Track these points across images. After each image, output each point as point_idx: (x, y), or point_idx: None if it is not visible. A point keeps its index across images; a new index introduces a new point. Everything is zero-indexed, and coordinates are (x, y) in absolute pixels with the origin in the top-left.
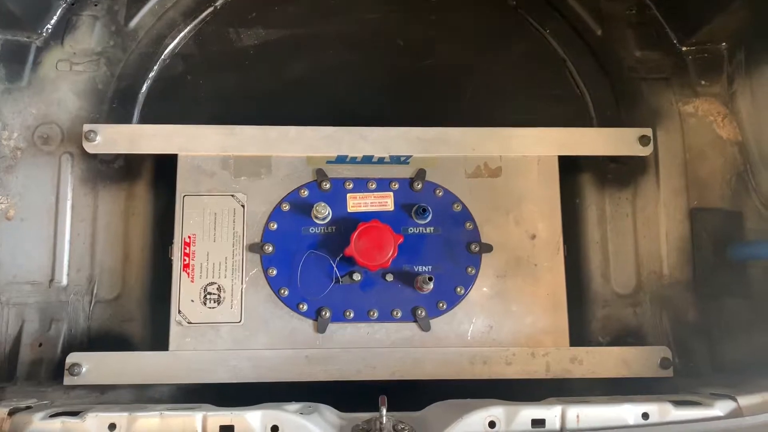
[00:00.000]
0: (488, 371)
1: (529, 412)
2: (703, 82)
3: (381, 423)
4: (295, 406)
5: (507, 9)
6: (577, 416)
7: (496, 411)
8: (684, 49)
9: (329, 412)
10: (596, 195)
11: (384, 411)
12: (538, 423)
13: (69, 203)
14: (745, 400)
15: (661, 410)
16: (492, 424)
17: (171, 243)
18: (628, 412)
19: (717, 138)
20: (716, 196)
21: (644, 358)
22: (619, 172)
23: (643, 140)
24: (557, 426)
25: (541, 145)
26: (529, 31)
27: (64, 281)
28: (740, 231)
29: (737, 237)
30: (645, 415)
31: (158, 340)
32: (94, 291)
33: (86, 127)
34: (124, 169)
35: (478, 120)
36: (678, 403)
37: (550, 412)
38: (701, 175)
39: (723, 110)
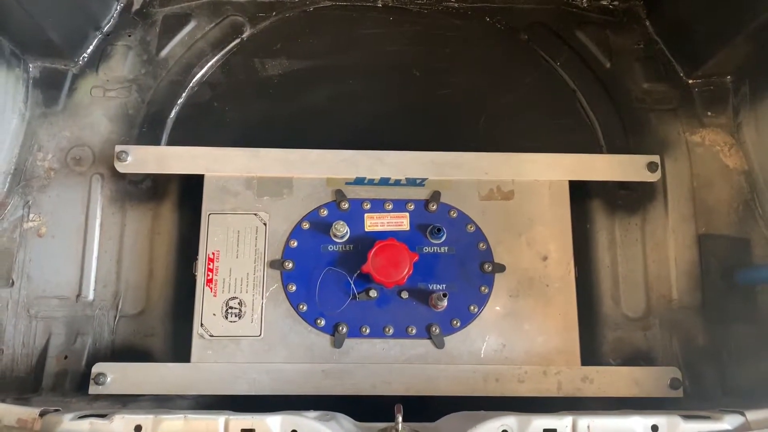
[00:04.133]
0: (501, 389)
1: (541, 423)
2: (709, 113)
3: (397, 430)
4: (313, 413)
5: (519, 42)
6: (588, 427)
7: (509, 421)
8: (690, 81)
9: (346, 421)
10: (607, 221)
11: (400, 418)
12: None
13: (98, 222)
14: (753, 415)
15: (670, 423)
16: None
17: (195, 259)
18: (638, 423)
19: (724, 167)
20: (724, 223)
21: (654, 379)
22: (628, 199)
23: (651, 167)
24: None
25: (552, 170)
26: (540, 64)
27: (91, 296)
28: (748, 257)
29: (745, 263)
30: (654, 428)
31: (179, 354)
32: (119, 306)
33: (118, 147)
34: (151, 190)
35: (492, 147)
36: (687, 417)
37: (562, 422)
38: (709, 203)
39: (729, 140)
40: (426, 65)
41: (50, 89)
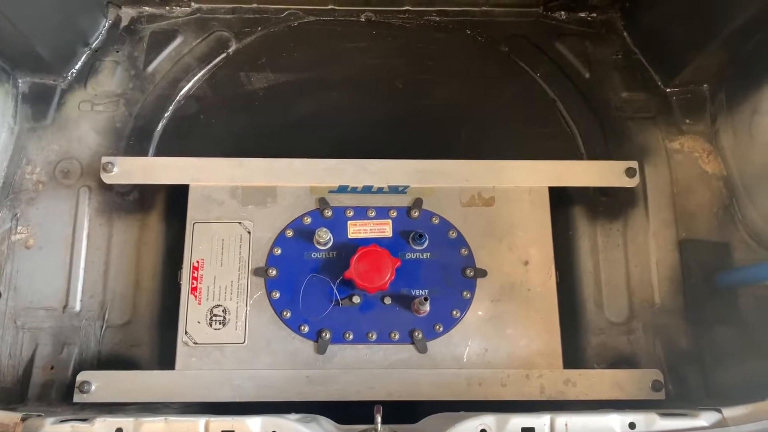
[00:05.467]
0: (484, 392)
1: (519, 421)
2: (687, 121)
3: (376, 431)
4: (295, 416)
5: (500, 54)
6: (566, 425)
7: (488, 420)
8: (668, 90)
9: (327, 423)
10: (588, 227)
11: (379, 418)
12: (527, 431)
13: (85, 233)
14: (729, 412)
15: (647, 420)
16: None
17: (180, 268)
18: (615, 421)
19: (703, 173)
20: (704, 228)
21: (637, 381)
22: (609, 205)
23: (629, 172)
24: None
25: (532, 177)
26: (520, 74)
27: (78, 307)
28: (728, 261)
29: (725, 267)
30: (632, 425)
31: (165, 364)
32: (106, 316)
33: (104, 159)
34: (138, 201)
35: (474, 155)
36: (664, 415)
37: (540, 421)
38: (689, 208)
39: (708, 147)
40: (409, 77)
41: (39, 104)
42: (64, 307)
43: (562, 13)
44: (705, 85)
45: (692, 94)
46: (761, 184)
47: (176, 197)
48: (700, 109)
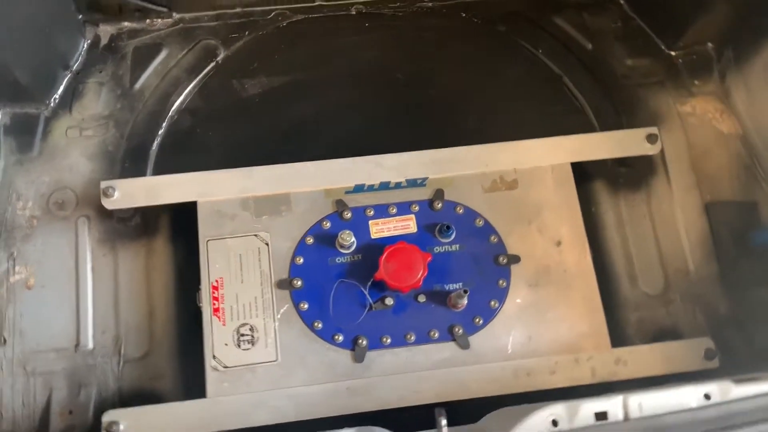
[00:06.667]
0: (533, 383)
1: (590, 406)
2: (696, 82)
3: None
4: (350, 430)
5: (498, 34)
6: (639, 404)
7: (557, 409)
8: (673, 53)
9: None
10: (611, 200)
11: (444, 421)
12: (600, 416)
13: (89, 265)
14: None
15: (722, 389)
16: (555, 423)
17: (198, 289)
18: (690, 394)
19: (719, 134)
20: (727, 190)
21: (688, 352)
22: (629, 176)
23: (651, 138)
24: (620, 416)
25: (552, 154)
26: (522, 53)
27: (90, 344)
28: (758, 220)
29: (755, 225)
30: (707, 396)
31: (191, 392)
32: (122, 351)
33: (103, 184)
34: (141, 226)
35: (485, 141)
36: (738, 381)
37: (612, 403)
38: (709, 171)
39: (720, 107)
40: (408, 67)
41: (23, 135)
42: (76, 346)
43: None
44: (709, 44)
45: (697, 55)
46: None
47: (181, 217)
48: (707, 69)
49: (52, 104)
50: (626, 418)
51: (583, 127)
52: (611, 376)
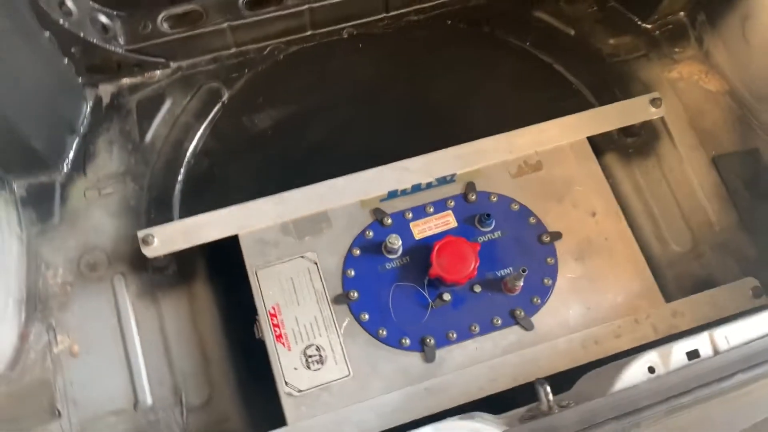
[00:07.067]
0: (602, 350)
1: (681, 347)
2: (677, 50)
3: (549, 400)
4: (453, 418)
5: (485, 35)
6: (726, 337)
7: (651, 356)
8: (650, 27)
9: (486, 415)
10: (626, 171)
11: (548, 389)
12: (692, 355)
13: (132, 321)
14: None
15: None
16: (651, 370)
17: (255, 319)
18: None
19: (708, 93)
20: (728, 142)
21: (736, 293)
22: (637, 145)
23: (655, 103)
24: (711, 352)
25: (567, 132)
26: (511, 49)
27: (149, 400)
28: (762, 164)
29: (761, 170)
30: None
31: (262, 427)
32: (183, 400)
33: (141, 233)
34: (178, 273)
35: (494, 133)
36: None
37: (700, 340)
38: (708, 128)
39: (704, 68)
40: (405, 78)
41: (42, 204)
42: (135, 404)
43: None
44: (681, 13)
45: (673, 24)
46: None
47: (216, 257)
48: (684, 36)
49: (65, 170)
50: (716, 352)
51: (583, 106)
52: (672, 329)
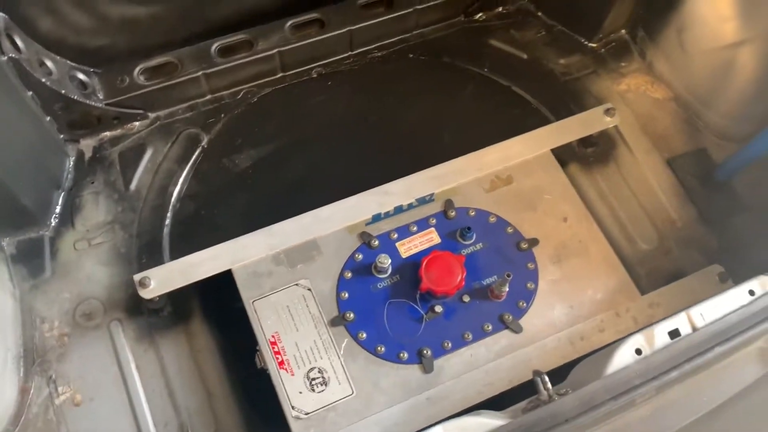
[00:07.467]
0: (589, 344)
1: (662, 327)
2: (623, 65)
3: (548, 389)
4: (465, 416)
5: (445, 65)
6: (701, 314)
7: (637, 339)
8: (595, 46)
9: (490, 412)
10: (588, 178)
11: (546, 378)
12: (674, 334)
13: (133, 366)
14: None
15: (761, 283)
16: (638, 351)
17: (256, 351)
18: (739, 295)
19: (656, 101)
20: (679, 144)
21: (705, 280)
22: (596, 154)
23: (609, 112)
24: (690, 329)
25: (531, 146)
26: (471, 76)
27: None
28: (712, 162)
29: (712, 166)
30: (751, 292)
31: None
32: None
33: (137, 276)
34: (173, 314)
35: (463, 153)
36: None
37: (678, 320)
38: (659, 132)
39: (649, 78)
40: (375, 110)
41: (32, 260)
42: None
43: (481, 14)
44: (623, 31)
45: (616, 42)
46: (710, 88)
47: (210, 293)
48: (627, 51)
49: (53, 224)
50: (694, 328)
51: (543, 123)
52: (651, 319)
